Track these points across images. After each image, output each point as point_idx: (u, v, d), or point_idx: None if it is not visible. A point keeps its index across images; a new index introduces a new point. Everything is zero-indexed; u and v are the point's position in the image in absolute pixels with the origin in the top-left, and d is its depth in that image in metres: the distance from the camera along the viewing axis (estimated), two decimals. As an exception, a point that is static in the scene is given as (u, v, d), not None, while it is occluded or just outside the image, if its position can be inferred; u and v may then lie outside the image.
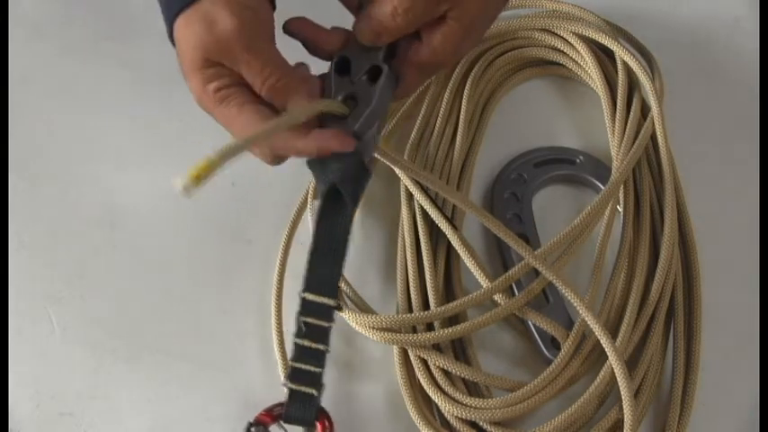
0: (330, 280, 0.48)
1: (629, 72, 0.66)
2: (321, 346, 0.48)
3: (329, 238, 0.47)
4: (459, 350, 0.56)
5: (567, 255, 0.57)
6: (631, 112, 0.63)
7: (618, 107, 0.64)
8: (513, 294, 0.57)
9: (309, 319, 0.48)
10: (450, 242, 0.59)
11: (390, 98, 0.48)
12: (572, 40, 0.67)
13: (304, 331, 0.48)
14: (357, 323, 0.55)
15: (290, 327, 0.58)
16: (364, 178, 0.47)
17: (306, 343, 0.48)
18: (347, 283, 0.57)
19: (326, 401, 0.54)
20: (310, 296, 0.48)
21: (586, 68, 0.67)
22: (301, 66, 0.48)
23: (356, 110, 0.46)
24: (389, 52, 0.48)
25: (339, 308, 0.48)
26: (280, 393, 0.50)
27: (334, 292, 0.48)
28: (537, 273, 0.57)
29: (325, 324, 0.48)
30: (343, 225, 0.47)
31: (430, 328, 0.56)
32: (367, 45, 0.47)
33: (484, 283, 0.56)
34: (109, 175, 0.65)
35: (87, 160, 0.66)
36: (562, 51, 0.68)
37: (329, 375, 0.55)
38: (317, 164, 0.47)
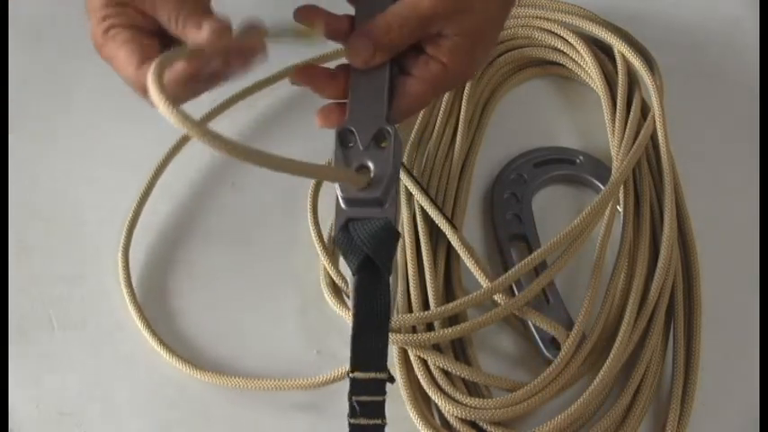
0: (377, 353, 0.45)
1: (630, 72, 0.66)
2: (378, 421, 0.45)
3: (370, 311, 0.45)
4: (459, 350, 0.56)
5: (567, 255, 0.57)
6: (631, 112, 0.63)
7: (618, 107, 0.64)
8: (513, 294, 0.57)
9: (362, 398, 0.45)
10: (450, 242, 0.59)
11: (401, 155, 0.47)
12: (572, 40, 0.67)
13: (358, 411, 0.45)
14: (357, 323, 0.55)
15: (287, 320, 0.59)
16: (396, 241, 0.45)
17: (362, 421, 0.45)
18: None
19: (326, 401, 0.55)
20: (360, 375, 0.45)
21: (586, 68, 0.67)
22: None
23: (374, 177, 0.45)
24: (398, 67, 0.47)
25: (392, 379, 0.45)
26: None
27: (383, 365, 0.45)
28: (537, 273, 0.57)
29: (379, 399, 0.45)
30: (383, 296, 0.45)
31: (430, 328, 0.56)
32: (361, 67, 0.46)
33: (484, 283, 0.56)
34: (109, 175, 0.65)
35: (87, 160, 0.66)
36: (562, 51, 0.68)
37: (328, 376, 0.55)
38: (345, 238, 0.45)
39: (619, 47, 0.67)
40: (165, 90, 0.36)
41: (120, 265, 0.60)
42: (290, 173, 0.39)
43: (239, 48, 0.44)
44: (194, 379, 0.56)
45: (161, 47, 0.45)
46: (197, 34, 0.44)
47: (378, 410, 0.45)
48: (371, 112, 0.46)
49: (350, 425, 0.45)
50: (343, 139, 0.45)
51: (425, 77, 0.46)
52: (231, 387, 0.55)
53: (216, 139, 0.35)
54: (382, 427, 0.45)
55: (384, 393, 0.45)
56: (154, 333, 0.58)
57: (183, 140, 0.65)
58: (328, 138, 0.46)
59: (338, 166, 0.45)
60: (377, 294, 0.45)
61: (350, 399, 0.45)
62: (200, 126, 0.35)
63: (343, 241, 0.45)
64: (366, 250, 0.44)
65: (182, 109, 0.36)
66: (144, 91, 0.42)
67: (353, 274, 0.45)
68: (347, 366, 0.44)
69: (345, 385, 0.44)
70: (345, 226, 0.45)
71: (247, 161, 0.36)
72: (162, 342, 0.57)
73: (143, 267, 0.61)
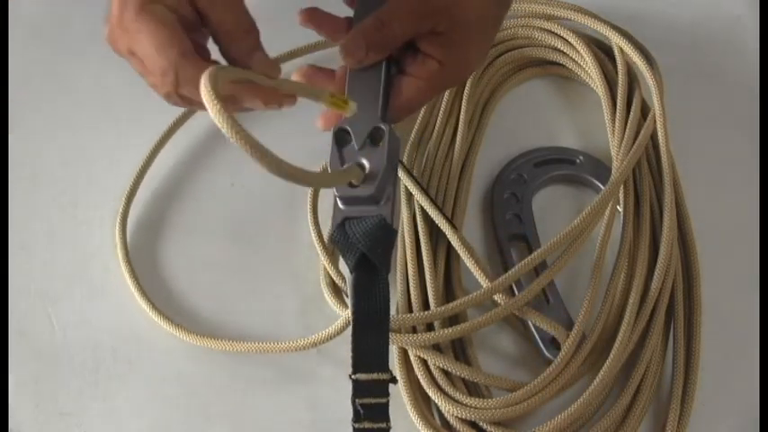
0: (379, 353, 0.45)
1: (629, 71, 0.66)
2: (383, 425, 0.44)
3: (369, 310, 0.44)
4: (459, 350, 0.56)
5: (567, 255, 0.57)
6: (631, 112, 0.63)
7: (618, 107, 0.64)
8: (513, 294, 0.57)
9: (365, 400, 0.44)
10: (450, 242, 0.59)
11: (398, 153, 0.47)
12: (572, 40, 0.67)
13: (362, 414, 0.44)
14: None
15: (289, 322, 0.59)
16: (392, 239, 0.45)
17: (366, 425, 0.44)
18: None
19: (326, 401, 0.55)
20: (362, 376, 0.44)
21: (586, 68, 0.67)
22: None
23: (368, 174, 0.45)
24: (396, 67, 0.47)
25: (394, 380, 0.45)
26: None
27: (385, 365, 0.45)
28: (537, 273, 0.57)
29: (382, 401, 0.44)
30: (381, 293, 0.45)
31: (430, 328, 0.56)
32: (355, 66, 0.46)
33: (484, 283, 0.56)
34: (108, 175, 0.65)
35: (87, 160, 0.66)
36: (562, 51, 0.68)
37: (328, 375, 0.55)
38: (342, 236, 0.45)
39: (619, 46, 0.66)
40: (220, 96, 0.36)
41: (121, 266, 0.60)
42: (303, 184, 0.39)
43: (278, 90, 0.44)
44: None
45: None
46: (247, 58, 0.44)
47: (382, 413, 0.44)
48: (367, 112, 0.46)
49: (354, 429, 0.44)
50: (339, 139, 0.46)
51: (422, 76, 0.46)
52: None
53: (259, 151, 0.36)
54: (387, 430, 0.44)
55: (387, 395, 0.44)
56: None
57: (166, 135, 0.66)
58: (326, 136, 0.46)
59: (332, 171, 0.46)
60: (375, 292, 0.45)
61: (353, 402, 0.44)
62: (248, 137, 0.36)
63: (339, 240, 0.45)
64: (362, 248, 0.44)
65: (233, 116, 0.36)
66: (173, 80, 0.42)
67: (351, 272, 0.45)
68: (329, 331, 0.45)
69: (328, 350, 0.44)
70: (342, 224, 0.45)
71: (278, 174, 0.37)
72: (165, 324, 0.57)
73: (142, 268, 0.61)
